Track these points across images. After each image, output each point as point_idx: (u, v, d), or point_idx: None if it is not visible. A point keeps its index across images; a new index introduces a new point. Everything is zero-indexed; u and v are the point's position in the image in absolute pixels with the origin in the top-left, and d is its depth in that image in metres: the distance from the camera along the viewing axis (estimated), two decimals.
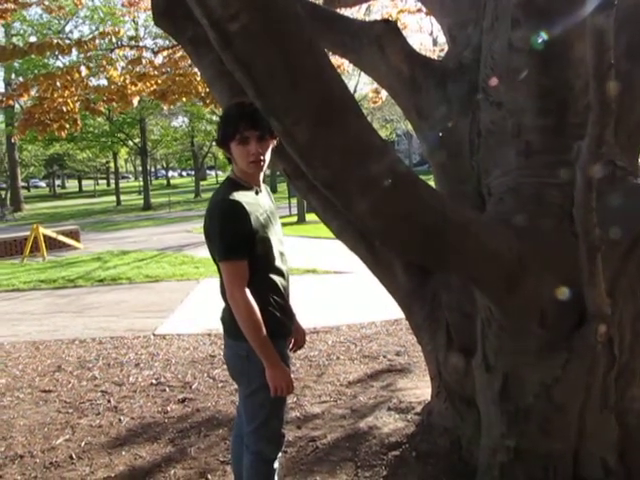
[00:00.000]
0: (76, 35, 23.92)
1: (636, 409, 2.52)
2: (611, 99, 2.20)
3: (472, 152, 2.50)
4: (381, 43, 2.68)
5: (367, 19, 11.89)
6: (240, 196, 2.07)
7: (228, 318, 2.18)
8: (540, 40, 2.20)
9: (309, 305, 6.94)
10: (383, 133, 35.96)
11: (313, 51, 1.46)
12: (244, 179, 2.18)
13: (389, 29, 2.72)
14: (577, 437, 2.32)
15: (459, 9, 2.75)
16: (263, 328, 2.04)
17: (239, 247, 2.04)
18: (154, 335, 5.95)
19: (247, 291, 2.03)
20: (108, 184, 56.43)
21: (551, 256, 2.12)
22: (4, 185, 36.02)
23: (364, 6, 13.60)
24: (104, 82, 8.80)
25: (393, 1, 9.47)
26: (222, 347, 5.42)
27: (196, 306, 7.23)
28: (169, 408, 3.96)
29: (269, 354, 2.07)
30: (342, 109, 1.52)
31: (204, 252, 12.14)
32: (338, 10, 5.49)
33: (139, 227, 20.39)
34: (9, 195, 33.86)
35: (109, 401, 4.16)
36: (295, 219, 17.60)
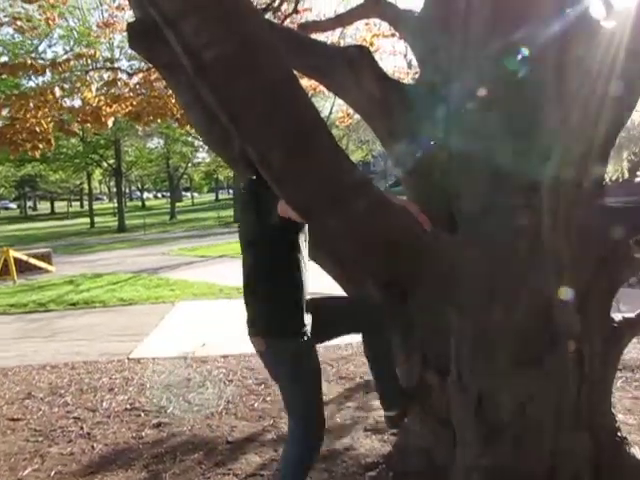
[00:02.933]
0: (50, 55, 23.70)
1: (608, 425, 2.56)
2: (574, 122, 2.29)
3: (443, 174, 2.55)
4: (354, 67, 2.73)
5: (342, 42, 12.08)
6: None
7: (268, 317, 2.30)
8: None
9: None
10: (359, 154, 36.19)
11: (287, 79, 1.50)
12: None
13: (362, 53, 2.77)
14: (551, 455, 2.34)
15: (429, 34, 2.82)
16: None
17: None
18: (129, 359, 5.85)
19: None
20: (82, 206, 55.69)
21: (523, 275, 2.17)
22: None
23: (338, 30, 13.82)
24: (78, 102, 8.77)
25: (367, 25, 9.64)
26: (198, 370, 5.34)
27: (172, 329, 7.13)
28: (144, 433, 3.89)
29: None
30: (315, 136, 1.56)
31: (180, 274, 12.10)
32: (313, 34, 5.58)
33: (113, 249, 20.14)
34: None
35: (82, 428, 4.07)
36: None
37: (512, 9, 2.28)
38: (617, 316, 2.59)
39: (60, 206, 56.25)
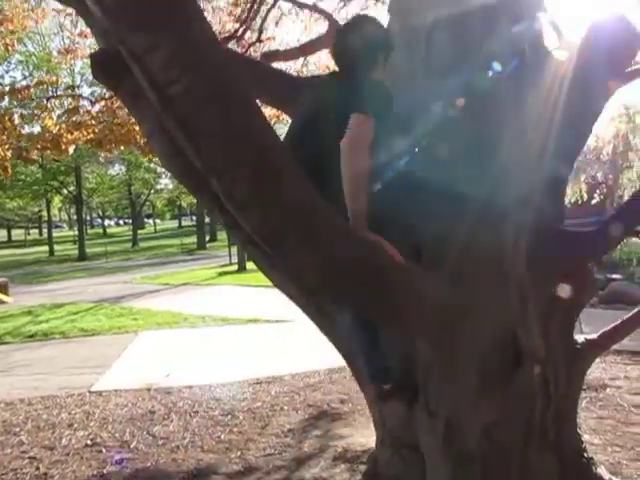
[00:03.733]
0: (7, 80, 23.26)
1: (575, 445, 2.59)
2: (533, 148, 2.36)
3: (405, 202, 2.57)
4: None
5: (305, 69, 12.20)
6: None
7: None
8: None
9: (252, 355, 6.84)
10: None
11: (251, 112, 1.53)
12: None
13: None
14: (520, 476, 2.35)
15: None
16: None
17: None
18: (90, 392, 5.66)
19: None
20: (40, 234, 54.23)
21: (486, 301, 2.19)
22: None
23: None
24: (38, 128, 8.64)
25: (330, 53, 9.74)
26: (162, 401, 5.22)
27: (135, 360, 6.96)
28: (105, 470, 3.75)
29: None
30: (279, 168, 1.58)
31: (143, 303, 11.86)
32: (277, 62, 5.65)
33: (74, 278, 19.66)
34: None
35: (38, 468, 3.88)
36: (236, 267, 17.44)
37: (471, 38, 2.36)
38: (580, 337, 2.65)
39: (17, 234, 54.66)
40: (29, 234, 53.44)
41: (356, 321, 2.46)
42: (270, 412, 4.68)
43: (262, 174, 1.52)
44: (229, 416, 4.64)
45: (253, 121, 1.53)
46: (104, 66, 2.66)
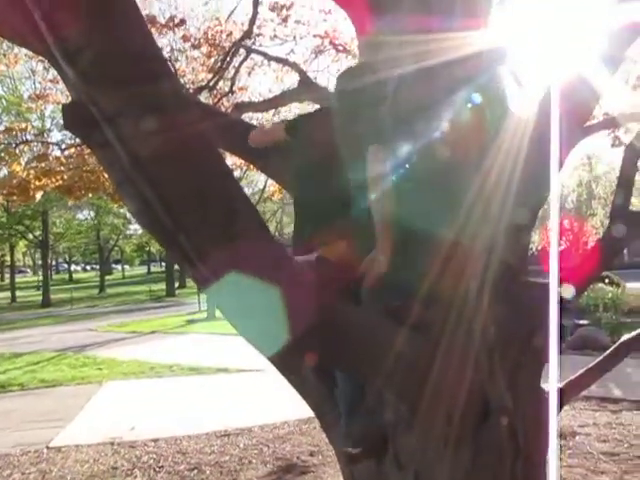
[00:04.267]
0: None
1: None
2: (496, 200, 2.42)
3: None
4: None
5: (276, 118, 12.45)
6: None
7: None
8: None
9: (220, 406, 6.68)
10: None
11: (220, 171, 1.56)
12: None
13: None
14: None
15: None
16: None
17: None
18: (48, 448, 5.42)
19: None
20: (2, 279, 52.74)
21: (451, 353, 2.20)
22: None
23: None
24: (4, 172, 8.53)
25: (301, 103, 10.00)
26: (125, 456, 5.04)
27: (98, 412, 6.73)
28: None
29: None
30: (248, 226, 1.61)
31: (108, 352, 11.56)
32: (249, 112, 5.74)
33: (36, 326, 19.07)
34: None
35: None
36: (205, 315, 17.17)
37: (436, 91, 2.44)
38: (547, 387, 2.66)
39: None
40: None
41: (346, 379, 2.47)
42: (238, 466, 4.56)
43: (232, 233, 1.54)
44: (195, 471, 4.50)
45: (222, 181, 1.56)
46: (75, 117, 2.67)
